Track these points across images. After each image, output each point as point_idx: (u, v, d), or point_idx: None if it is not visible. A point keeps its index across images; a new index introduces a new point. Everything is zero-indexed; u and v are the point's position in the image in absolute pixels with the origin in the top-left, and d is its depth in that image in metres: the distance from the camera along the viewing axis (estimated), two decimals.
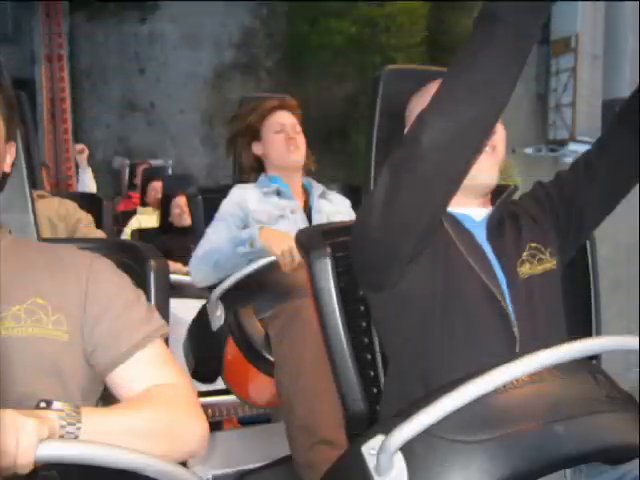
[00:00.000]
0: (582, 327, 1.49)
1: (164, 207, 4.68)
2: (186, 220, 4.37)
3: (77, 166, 5.72)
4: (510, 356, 0.97)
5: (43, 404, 0.85)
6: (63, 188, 7.16)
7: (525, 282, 1.26)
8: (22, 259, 1.09)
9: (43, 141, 7.21)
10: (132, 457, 0.80)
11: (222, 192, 2.28)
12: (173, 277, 2.50)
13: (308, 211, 2.25)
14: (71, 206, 2.83)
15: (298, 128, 2.33)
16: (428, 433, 0.88)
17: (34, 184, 2.14)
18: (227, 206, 2.19)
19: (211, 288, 2.14)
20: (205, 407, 1.17)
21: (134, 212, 5.37)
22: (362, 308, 1.36)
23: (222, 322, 2.08)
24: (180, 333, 2.36)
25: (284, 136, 2.28)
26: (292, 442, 1.72)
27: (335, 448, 1.54)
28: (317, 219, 2.22)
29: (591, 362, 1.14)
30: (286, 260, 1.93)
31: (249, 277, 1.96)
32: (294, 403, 1.72)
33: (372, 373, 1.36)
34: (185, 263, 2.66)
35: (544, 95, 7.77)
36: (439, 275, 1.21)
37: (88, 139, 7.74)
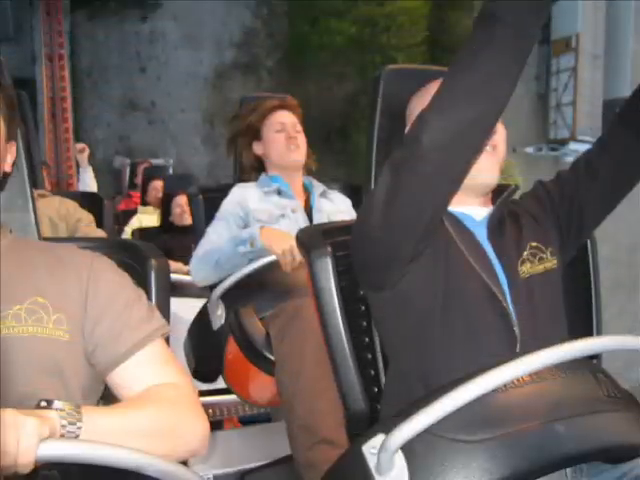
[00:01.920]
0: (582, 327, 1.49)
1: (165, 206, 4.69)
2: (187, 219, 4.37)
3: (78, 165, 5.72)
4: (511, 355, 0.98)
5: (44, 403, 0.85)
6: (64, 187, 7.16)
7: (526, 281, 1.26)
8: (23, 258, 1.09)
9: (44, 140, 7.20)
10: (133, 456, 0.80)
11: (223, 191, 2.28)
12: (174, 276, 2.50)
13: (309, 210, 2.25)
14: (72, 205, 2.84)
15: (299, 127, 2.33)
16: (429, 432, 0.88)
17: (35, 183, 2.15)
18: (228, 205, 2.19)
19: (212, 287, 2.14)
20: (206, 406, 1.17)
21: (135, 211, 5.38)
22: (363, 307, 1.36)
23: (223, 321, 2.09)
24: (181, 332, 2.37)
25: (284, 135, 2.28)
26: (293, 441, 1.72)
27: (336, 447, 1.54)
28: (318, 218, 2.22)
29: (592, 361, 1.14)
30: (287, 259, 1.93)
31: (250, 276, 1.96)
32: (295, 402, 1.71)
33: (373, 372, 1.36)
34: (186, 262, 2.67)
35: (545, 95, 7.77)
36: (440, 275, 1.21)
37: (89, 138, 7.75)
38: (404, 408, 0.97)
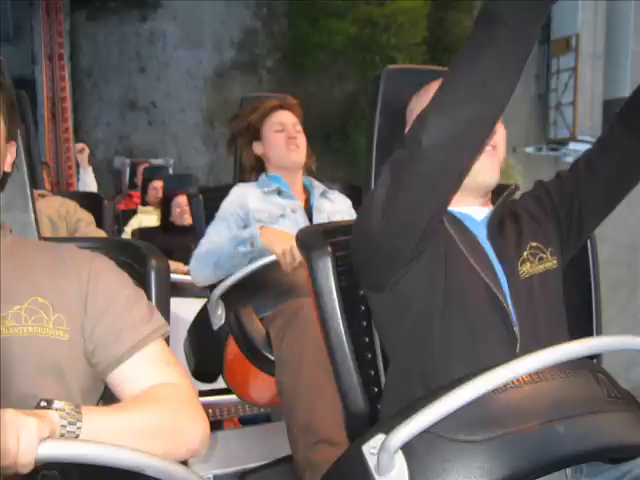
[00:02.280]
0: (582, 327, 1.49)
1: (165, 206, 4.69)
2: (187, 219, 4.37)
3: (78, 165, 5.72)
4: (511, 356, 0.98)
5: (44, 403, 0.85)
6: (64, 187, 7.17)
7: (526, 282, 1.26)
8: (23, 258, 1.09)
9: (44, 140, 7.21)
10: (133, 456, 0.80)
11: (223, 191, 2.28)
12: (174, 276, 2.50)
13: (309, 210, 2.25)
14: (72, 205, 2.84)
15: (299, 127, 2.32)
16: (429, 432, 0.88)
17: (35, 183, 2.15)
18: (228, 205, 2.19)
19: (212, 287, 2.14)
20: (206, 406, 1.17)
21: (135, 211, 5.38)
22: (363, 307, 1.36)
23: (223, 321, 2.08)
24: (181, 333, 2.37)
25: (284, 135, 2.28)
26: (293, 441, 1.72)
27: (336, 447, 1.54)
28: (318, 218, 2.22)
29: (592, 361, 1.14)
30: (287, 259, 1.93)
31: (250, 276, 1.96)
32: (295, 402, 1.72)
33: (372, 372, 1.36)
34: (186, 262, 2.67)
35: (544, 95, 7.79)
36: (440, 275, 1.21)
37: (89, 138, 7.76)
38: (404, 408, 0.97)
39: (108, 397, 1.10)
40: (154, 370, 1.05)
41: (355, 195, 2.45)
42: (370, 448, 0.93)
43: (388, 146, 1.40)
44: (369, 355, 1.36)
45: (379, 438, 0.92)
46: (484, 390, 0.87)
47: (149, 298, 1.20)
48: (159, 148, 8.37)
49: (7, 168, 1.14)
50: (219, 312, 2.09)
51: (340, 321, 1.31)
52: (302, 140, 2.31)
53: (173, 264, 3.29)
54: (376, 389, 1.35)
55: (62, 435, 0.83)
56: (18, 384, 0.96)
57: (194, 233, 2.56)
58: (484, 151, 1.24)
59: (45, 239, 1.36)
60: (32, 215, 1.31)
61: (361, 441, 0.95)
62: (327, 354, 1.33)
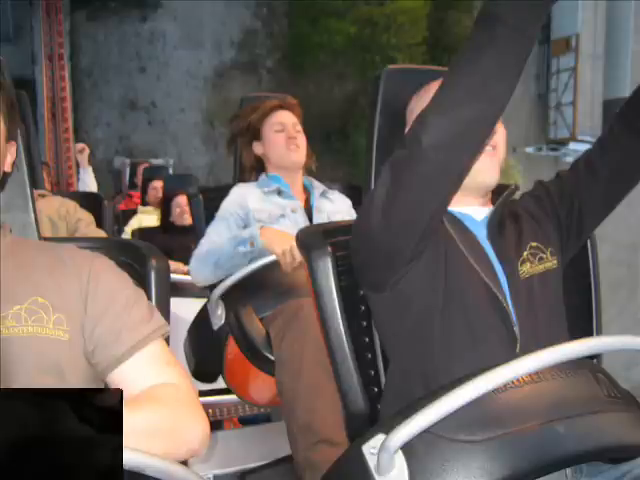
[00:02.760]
0: (582, 327, 1.49)
1: (165, 206, 4.69)
2: (187, 219, 4.38)
3: (78, 165, 5.72)
4: (511, 356, 0.98)
5: None
6: (64, 187, 7.17)
7: (526, 282, 1.26)
8: (23, 258, 1.09)
9: (44, 140, 7.21)
10: (132, 456, 0.80)
11: (223, 191, 2.28)
12: (174, 276, 2.50)
13: (309, 210, 2.25)
14: (72, 205, 2.84)
15: (299, 127, 2.32)
16: (429, 432, 0.88)
17: (35, 183, 2.15)
18: (228, 205, 2.19)
19: (212, 287, 2.14)
20: (206, 406, 1.17)
21: (135, 211, 5.38)
22: (363, 307, 1.36)
23: (223, 321, 2.08)
24: (181, 333, 2.37)
25: (284, 135, 2.28)
26: (293, 441, 1.72)
27: (336, 447, 1.54)
28: (318, 218, 2.22)
29: (592, 361, 1.14)
30: (287, 259, 1.93)
31: (250, 276, 1.96)
32: (295, 402, 1.72)
33: (372, 372, 1.36)
34: (186, 262, 2.67)
35: (544, 95, 7.79)
36: (440, 275, 1.21)
37: (89, 138, 7.77)
38: (404, 408, 0.97)
39: None
40: (154, 370, 1.05)
41: (355, 195, 2.44)
42: (370, 448, 0.93)
43: (388, 146, 1.40)
44: (369, 355, 1.36)
45: (379, 438, 0.92)
46: (484, 390, 0.87)
47: (149, 298, 1.20)
48: (159, 148, 8.37)
49: (7, 168, 1.14)
50: (219, 312, 2.09)
51: (340, 321, 1.31)
52: (302, 140, 2.31)
53: (173, 264, 3.29)
54: (376, 389, 1.35)
55: None
56: (18, 384, 0.96)
57: (194, 233, 2.56)
58: (484, 151, 1.24)
59: (45, 239, 1.36)
60: (32, 215, 1.31)
61: (361, 441, 0.95)
62: (327, 354, 1.33)
